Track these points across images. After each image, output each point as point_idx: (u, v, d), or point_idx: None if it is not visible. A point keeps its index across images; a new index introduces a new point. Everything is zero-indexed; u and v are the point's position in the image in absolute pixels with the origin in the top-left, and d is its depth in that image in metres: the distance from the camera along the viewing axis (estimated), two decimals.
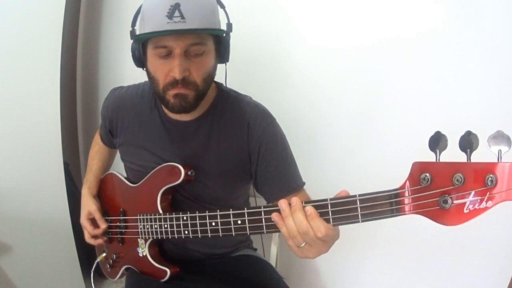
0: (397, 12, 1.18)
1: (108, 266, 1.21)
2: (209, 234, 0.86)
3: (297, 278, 1.58)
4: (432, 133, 0.59)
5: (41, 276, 1.64)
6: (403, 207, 0.60)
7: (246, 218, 0.78)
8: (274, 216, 0.71)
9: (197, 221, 0.88)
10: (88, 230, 1.13)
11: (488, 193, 0.55)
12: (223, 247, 1.16)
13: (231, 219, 0.81)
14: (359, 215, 0.63)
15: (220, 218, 0.83)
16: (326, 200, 0.67)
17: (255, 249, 1.27)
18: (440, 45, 1.12)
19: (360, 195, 0.63)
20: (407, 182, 0.60)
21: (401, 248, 1.29)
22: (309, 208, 0.67)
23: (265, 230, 0.76)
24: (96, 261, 1.22)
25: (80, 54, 2.19)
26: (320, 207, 0.67)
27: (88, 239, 1.14)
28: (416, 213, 0.60)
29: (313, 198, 0.74)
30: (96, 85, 2.15)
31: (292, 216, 0.68)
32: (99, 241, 1.14)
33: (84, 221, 1.13)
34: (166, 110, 1.03)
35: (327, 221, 0.67)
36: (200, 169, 1.01)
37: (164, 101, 0.92)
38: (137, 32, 0.90)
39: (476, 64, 1.08)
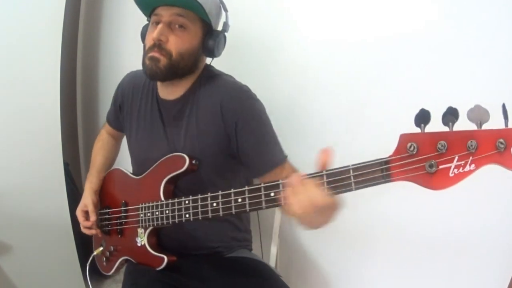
0: (394, 5, 1.22)
1: (104, 259, 1.23)
2: (210, 215, 0.89)
3: (296, 278, 1.58)
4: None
5: (40, 276, 1.64)
6: (393, 173, 0.65)
7: (247, 195, 0.82)
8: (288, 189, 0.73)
9: (199, 203, 0.91)
10: (80, 221, 1.19)
11: (471, 157, 0.60)
12: (218, 241, 1.16)
13: (232, 198, 0.85)
14: (352, 183, 0.68)
15: (221, 198, 0.87)
16: (322, 172, 0.71)
17: (251, 250, 1.28)
18: (435, 40, 1.15)
19: (353, 165, 0.68)
20: (396, 151, 0.65)
21: (402, 248, 1.30)
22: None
23: (264, 206, 0.80)
24: (92, 255, 1.24)
25: (80, 55, 2.21)
26: (316, 178, 0.72)
27: (82, 228, 1.20)
28: (405, 178, 0.64)
29: None
30: (96, 85, 2.16)
31: (306, 189, 0.70)
32: (93, 231, 1.19)
33: (78, 212, 1.20)
34: (158, 90, 1.11)
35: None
36: (185, 150, 1.05)
37: (143, 65, 1.00)
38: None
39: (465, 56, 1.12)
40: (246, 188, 0.82)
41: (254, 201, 0.81)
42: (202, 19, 1.00)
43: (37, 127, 1.61)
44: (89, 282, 1.21)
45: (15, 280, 1.55)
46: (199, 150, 1.04)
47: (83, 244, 1.71)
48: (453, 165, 0.61)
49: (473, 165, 0.60)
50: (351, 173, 0.68)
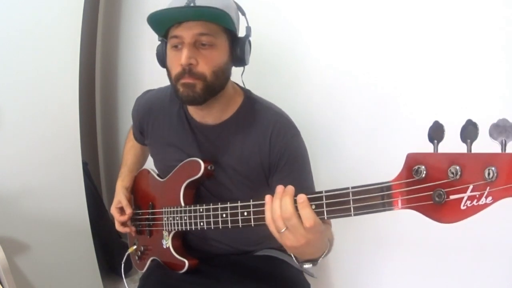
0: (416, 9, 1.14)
1: (137, 258, 1.27)
2: (220, 226, 0.88)
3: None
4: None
5: (58, 275, 1.64)
6: (395, 201, 0.57)
7: (252, 209, 0.79)
8: (267, 197, 0.73)
9: (211, 213, 0.90)
10: (115, 217, 1.19)
11: (488, 188, 0.50)
12: (247, 244, 1.16)
13: (239, 211, 0.82)
14: (351, 208, 0.61)
15: (229, 210, 0.85)
16: (321, 192, 0.65)
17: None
18: (456, 40, 1.08)
19: (353, 187, 0.61)
20: (400, 175, 0.57)
21: (416, 250, 1.24)
22: (302, 196, 0.67)
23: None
24: (126, 253, 1.28)
25: (99, 53, 2.22)
26: (315, 199, 0.66)
27: (117, 227, 1.21)
28: (409, 207, 0.56)
29: None
30: (115, 84, 2.17)
31: (280, 199, 0.69)
32: (127, 229, 1.20)
33: (112, 209, 1.20)
34: (191, 112, 1.08)
35: (321, 213, 0.65)
36: (221, 168, 1.04)
37: (176, 91, 0.95)
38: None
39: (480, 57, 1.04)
40: (251, 202, 0.79)
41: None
42: (226, 29, 0.94)
43: (56, 127, 1.61)
44: (124, 281, 1.27)
45: (33, 280, 1.54)
46: (239, 173, 1.04)
47: (101, 243, 1.74)
48: (466, 196, 0.51)
49: (489, 198, 0.49)
50: (351, 197, 0.61)
